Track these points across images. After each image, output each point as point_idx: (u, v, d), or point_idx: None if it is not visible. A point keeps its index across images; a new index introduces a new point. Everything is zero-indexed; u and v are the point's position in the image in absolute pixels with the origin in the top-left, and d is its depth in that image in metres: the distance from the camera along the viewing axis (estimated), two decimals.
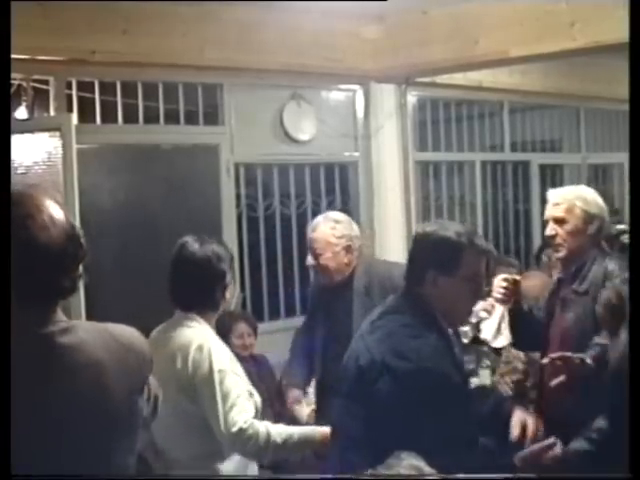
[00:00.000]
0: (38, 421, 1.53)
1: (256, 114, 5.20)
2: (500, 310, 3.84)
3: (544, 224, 3.21)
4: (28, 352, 1.53)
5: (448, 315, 2.25)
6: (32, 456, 1.51)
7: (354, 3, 4.63)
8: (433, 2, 4.88)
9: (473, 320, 3.87)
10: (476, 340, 4.09)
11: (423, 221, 5.65)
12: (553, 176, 7.08)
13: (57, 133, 4.02)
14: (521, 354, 3.87)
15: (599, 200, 3.13)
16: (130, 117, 4.73)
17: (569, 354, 2.73)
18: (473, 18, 4.82)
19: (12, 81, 4.19)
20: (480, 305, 3.58)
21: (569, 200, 3.08)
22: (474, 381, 4.06)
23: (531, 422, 2.28)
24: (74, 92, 4.52)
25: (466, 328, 3.86)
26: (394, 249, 5.34)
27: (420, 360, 2.10)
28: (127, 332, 1.73)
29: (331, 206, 5.52)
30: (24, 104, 4.45)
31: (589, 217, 3.05)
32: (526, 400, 3.50)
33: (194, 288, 2.62)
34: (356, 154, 5.69)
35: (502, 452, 2.21)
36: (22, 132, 4.02)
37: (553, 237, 3.10)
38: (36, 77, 4.40)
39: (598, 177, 7.64)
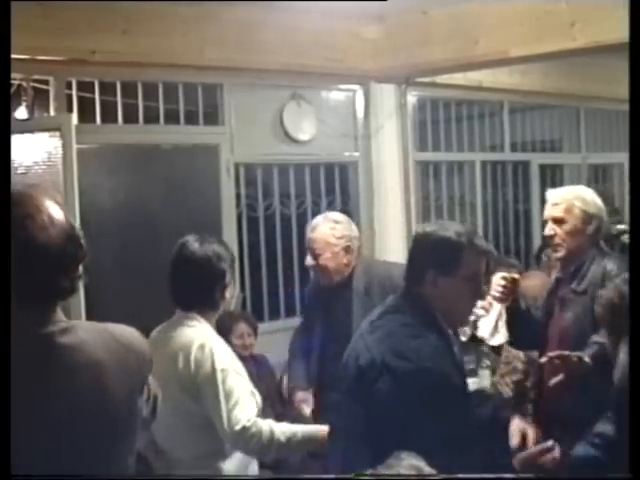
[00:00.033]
0: (38, 421, 1.53)
1: (256, 114, 5.20)
2: (498, 308, 3.84)
3: (543, 224, 3.22)
4: (28, 352, 1.53)
5: (448, 315, 2.25)
6: (32, 456, 1.51)
7: (354, 3, 4.63)
8: (433, 2, 4.88)
9: (471, 318, 3.87)
10: (474, 338, 4.10)
11: (423, 221, 5.65)
12: (553, 176, 7.08)
13: (57, 133, 4.02)
14: (521, 354, 3.86)
15: (598, 200, 3.14)
16: (130, 117, 4.73)
17: (567, 352, 2.73)
18: (473, 18, 4.82)
19: (12, 81, 4.19)
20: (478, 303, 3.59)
21: (568, 200, 3.10)
22: (474, 381, 4.07)
23: (530, 431, 2.28)
24: (74, 92, 4.52)
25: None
26: (394, 249, 5.34)
27: (420, 360, 2.10)
28: (127, 332, 1.73)
29: (331, 206, 5.52)
30: (24, 104, 4.45)
31: (588, 217, 3.06)
32: (526, 400, 3.50)
33: (194, 287, 2.62)
34: (356, 154, 5.69)
35: (501, 457, 2.21)
36: (22, 132, 4.02)
37: (552, 237, 3.11)
38: (36, 77, 4.40)
39: (598, 177, 7.64)
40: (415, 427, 2.00)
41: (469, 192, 6.48)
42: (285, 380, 4.01)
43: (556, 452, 2.20)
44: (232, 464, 2.58)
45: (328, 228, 3.42)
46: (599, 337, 2.68)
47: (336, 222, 3.45)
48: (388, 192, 5.70)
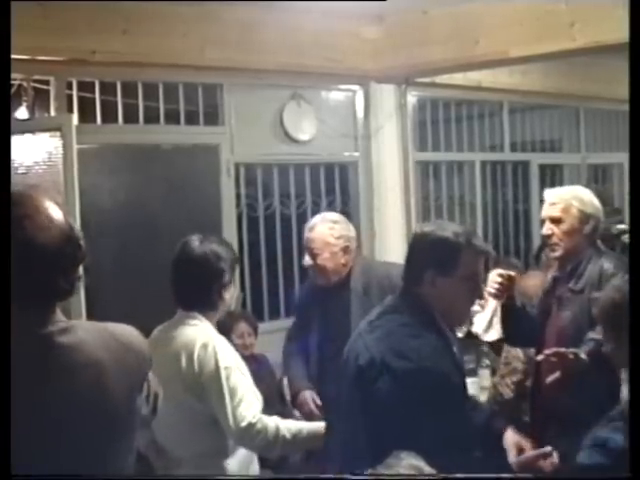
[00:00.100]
0: (38, 421, 1.53)
1: (256, 114, 5.20)
2: (493, 304, 3.85)
3: (541, 223, 3.23)
4: (27, 352, 1.53)
5: (446, 315, 2.25)
6: (32, 456, 1.52)
7: (354, 3, 4.64)
8: (433, 2, 4.88)
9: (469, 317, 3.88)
10: (470, 334, 4.11)
11: (423, 221, 5.65)
12: (553, 176, 7.08)
13: (57, 133, 4.02)
14: (520, 354, 3.87)
15: (595, 200, 3.17)
16: (130, 117, 4.73)
17: (563, 349, 2.75)
18: (473, 18, 4.82)
19: (13, 81, 4.19)
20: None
21: (566, 200, 3.12)
22: (474, 381, 4.07)
23: (524, 443, 2.28)
24: (74, 92, 4.52)
25: None
26: (394, 249, 5.33)
27: (420, 360, 2.10)
28: (126, 331, 1.74)
29: (331, 206, 5.52)
30: (25, 104, 4.45)
31: (585, 217, 3.09)
32: (526, 401, 3.50)
33: (192, 286, 2.63)
34: (356, 154, 5.69)
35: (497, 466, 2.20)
36: (23, 132, 4.02)
37: (549, 236, 3.13)
38: (36, 77, 4.40)
39: (598, 177, 7.64)
40: (415, 427, 2.00)
41: (469, 192, 6.48)
42: (285, 381, 4.00)
43: (554, 458, 2.20)
44: (234, 462, 2.59)
45: (327, 228, 3.42)
46: (595, 334, 2.70)
47: (334, 222, 3.46)
48: (388, 192, 5.71)
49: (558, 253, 3.13)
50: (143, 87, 4.78)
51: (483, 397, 4.12)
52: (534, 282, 4.05)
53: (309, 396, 3.42)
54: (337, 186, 5.70)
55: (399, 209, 5.76)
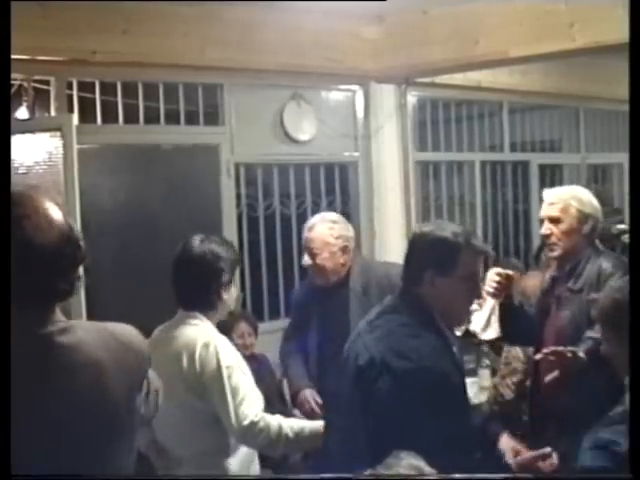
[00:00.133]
0: (38, 421, 1.53)
1: (256, 114, 5.20)
2: (491, 303, 3.85)
3: (540, 223, 3.24)
4: (27, 352, 1.54)
5: (446, 315, 2.25)
6: (32, 456, 1.52)
7: (354, 3, 4.64)
8: (433, 2, 4.88)
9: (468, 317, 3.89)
10: (468, 332, 4.12)
11: (423, 221, 5.65)
12: (552, 176, 7.08)
13: (58, 133, 4.02)
14: (520, 354, 3.87)
15: (593, 200, 3.18)
16: (131, 117, 4.74)
17: (561, 348, 2.75)
18: (473, 18, 4.82)
19: (13, 81, 4.19)
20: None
21: (564, 200, 3.13)
22: (474, 381, 4.07)
23: (521, 448, 2.28)
24: (75, 92, 4.52)
25: None
26: (394, 249, 5.33)
27: (421, 359, 2.10)
28: (126, 331, 1.74)
29: (331, 206, 5.52)
30: (25, 104, 4.45)
31: (584, 217, 3.10)
32: (526, 402, 3.51)
33: (191, 285, 2.63)
34: (356, 154, 5.69)
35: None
36: (23, 132, 4.02)
37: (548, 236, 3.14)
38: (37, 77, 4.40)
39: (597, 177, 7.64)
40: (415, 427, 2.00)
41: (469, 192, 6.48)
42: (285, 382, 4.00)
43: (554, 459, 2.20)
44: (236, 461, 2.59)
45: (326, 228, 3.43)
46: (593, 332, 2.70)
47: (334, 222, 3.47)
48: (388, 192, 5.71)
49: (557, 253, 3.14)
50: (143, 87, 4.78)
51: (483, 397, 4.12)
52: (533, 282, 4.05)
53: (310, 394, 3.42)
54: (337, 186, 5.70)
55: (399, 209, 5.76)
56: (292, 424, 2.59)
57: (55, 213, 1.57)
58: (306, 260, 3.46)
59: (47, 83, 4.44)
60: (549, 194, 3.20)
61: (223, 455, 2.57)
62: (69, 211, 1.65)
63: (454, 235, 2.22)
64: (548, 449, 2.22)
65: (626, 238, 4.57)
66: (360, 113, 5.68)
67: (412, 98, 5.90)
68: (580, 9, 4.33)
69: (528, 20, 4.57)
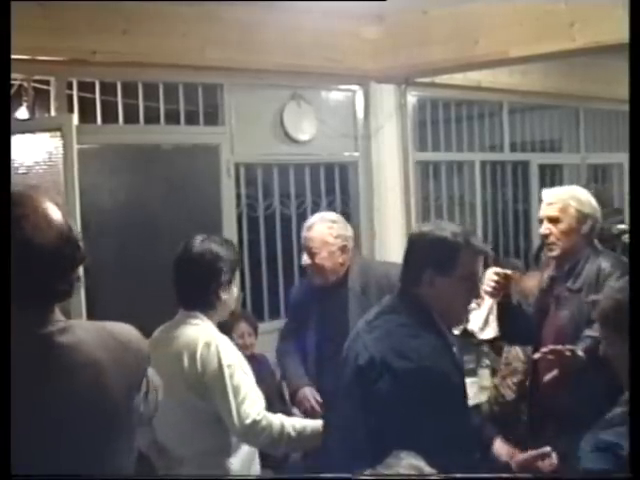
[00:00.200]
0: (37, 421, 1.53)
1: (256, 114, 5.20)
2: (489, 302, 3.86)
3: (539, 223, 3.24)
4: (27, 352, 1.54)
5: (445, 315, 2.25)
6: (32, 456, 1.52)
7: (354, 3, 4.64)
8: (433, 2, 4.88)
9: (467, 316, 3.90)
10: (466, 332, 4.12)
11: (423, 221, 5.65)
12: (552, 176, 7.08)
13: (58, 133, 4.02)
14: (520, 354, 3.87)
15: (592, 200, 3.19)
16: (131, 117, 4.74)
17: (560, 347, 2.75)
18: (473, 18, 4.82)
19: (13, 81, 4.19)
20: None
21: (563, 200, 3.13)
22: (474, 381, 4.08)
23: (515, 452, 2.28)
24: (75, 92, 4.52)
25: None
26: (394, 249, 5.33)
27: (421, 359, 2.10)
28: (125, 330, 1.74)
29: (331, 206, 5.52)
30: (25, 104, 4.45)
31: (583, 217, 3.11)
32: (526, 402, 3.51)
33: (190, 285, 2.64)
34: (356, 154, 5.69)
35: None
36: (23, 132, 4.02)
37: (547, 236, 3.15)
38: (37, 77, 4.40)
39: (597, 177, 7.64)
40: (415, 426, 2.00)
41: (469, 192, 6.48)
42: (284, 382, 4.00)
43: (553, 458, 2.20)
44: (237, 460, 2.59)
45: (325, 227, 3.43)
46: (592, 331, 2.70)
47: (333, 222, 3.47)
48: (388, 192, 5.71)
49: (556, 252, 3.15)
50: (143, 87, 4.78)
51: (483, 397, 4.13)
52: (533, 283, 4.05)
53: (309, 393, 3.42)
54: (337, 186, 5.70)
55: (399, 209, 5.76)
56: (294, 423, 2.60)
57: (54, 213, 1.57)
58: (305, 259, 3.46)
59: (47, 83, 4.44)
60: (548, 194, 3.21)
61: (224, 455, 2.57)
62: (69, 211, 1.65)
63: (453, 235, 2.22)
64: (547, 448, 2.22)
65: (626, 238, 4.58)
66: (360, 113, 5.68)
67: (412, 98, 5.89)
68: (580, 9, 4.33)
69: (528, 20, 4.57)
